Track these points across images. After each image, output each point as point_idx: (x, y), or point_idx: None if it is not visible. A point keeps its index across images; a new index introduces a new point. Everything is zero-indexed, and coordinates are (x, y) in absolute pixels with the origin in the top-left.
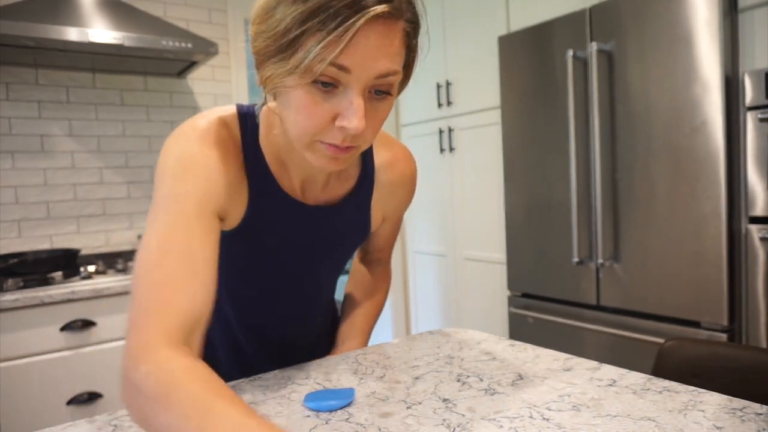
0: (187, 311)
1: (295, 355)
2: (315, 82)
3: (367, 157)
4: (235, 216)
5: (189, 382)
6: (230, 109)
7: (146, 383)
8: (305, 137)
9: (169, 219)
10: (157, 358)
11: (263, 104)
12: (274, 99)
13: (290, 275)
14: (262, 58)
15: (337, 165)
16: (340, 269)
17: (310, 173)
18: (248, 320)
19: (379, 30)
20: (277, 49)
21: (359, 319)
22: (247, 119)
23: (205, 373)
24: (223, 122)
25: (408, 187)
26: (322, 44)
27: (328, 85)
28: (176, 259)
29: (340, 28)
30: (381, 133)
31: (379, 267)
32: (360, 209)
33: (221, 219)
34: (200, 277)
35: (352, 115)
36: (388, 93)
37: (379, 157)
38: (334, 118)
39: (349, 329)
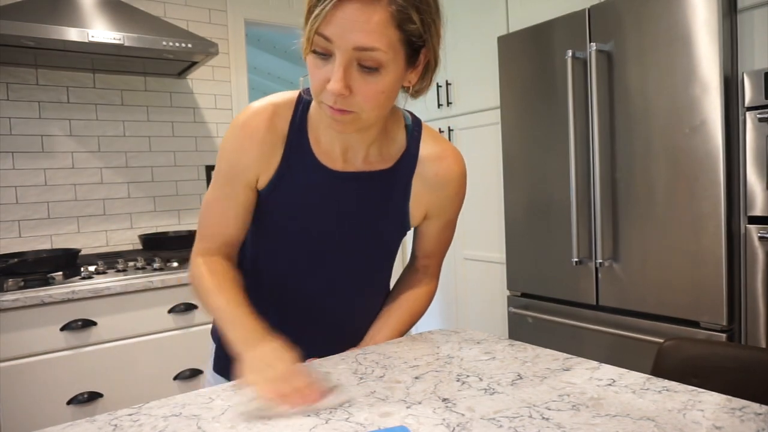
0: (215, 245)
1: (328, 350)
2: (314, 51)
3: (411, 144)
4: (266, 177)
5: (207, 276)
6: (294, 92)
7: (192, 279)
8: (315, 98)
9: (215, 185)
10: (197, 262)
11: None
12: None
13: (321, 242)
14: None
15: (338, 126)
16: (376, 255)
17: (348, 143)
18: (287, 299)
19: (355, 6)
20: (303, 24)
21: (388, 322)
22: (302, 97)
23: (217, 270)
24: (273, 105)
25: (455, 186)
26: (311, 17)
27: (323, 55)
28: (217, 215)
29: (322, 4)
30: (435, 132)
31: (425, 278)
32: (396, 189)
33: (254, 183)
34: (224, 229)
35: (332, 77)
36: (376, 68)
37: (426, 149)
38: (327, 82)
39: (376, 332)
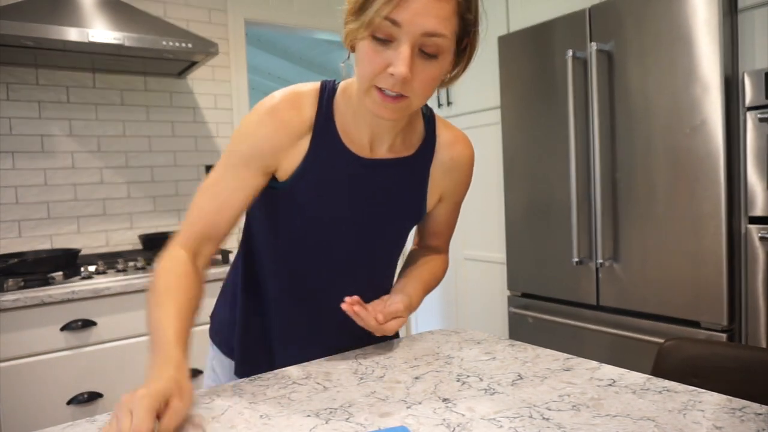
0: (202, 231)
1: (345, 339)
2: (374, 37)
3: (429, 131)
4: (291, 166)
5: (161, 279)
6: (315, 83)
7: (156, 269)
8: (365, 82)
9: (219, 169)
10: (169, 254)
11: (344, 79)
12: (353, 51)
13: (342, 230)
14: (345, 21)
15: (387, 112)
16: (393, 241)
17: (376, 131)
18: (303, 289)
19: None
20: (354, 9)
21: (411, 281)
22: (326, 87)
23: (174, 276)
24: (297, 94)
25: (466, 170)
26: (378, 2)
27: (383, 41)
28: (210, 196)
29: None
30: (444, 119)
31: (435, 252)
32: (416, 175)
33: (271, 172)
34: (221, 214)
35: (399, 62)
36: (435, 56)
37: (442, 136)
38: (387, 67)
39: (401, 288)
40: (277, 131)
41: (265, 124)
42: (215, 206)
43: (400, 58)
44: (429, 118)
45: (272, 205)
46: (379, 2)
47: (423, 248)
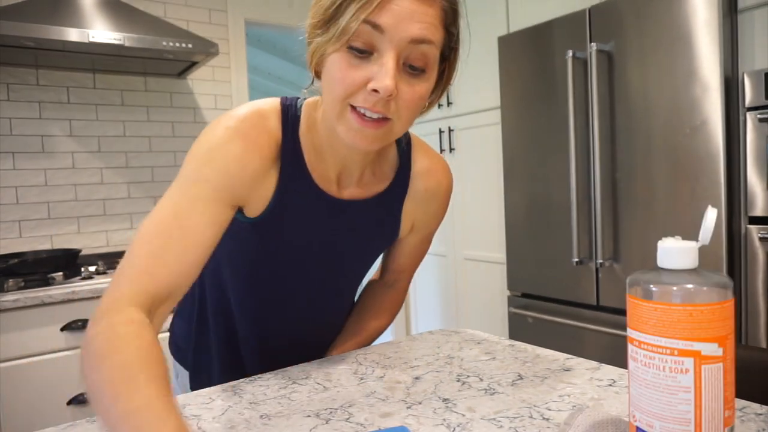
0: (164, 284)
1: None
2: (351, 48)
3: (404, 161)
4: (260, 203)
5: (127, 348)
6: (274, 102)
7: (95, 340)
8: (338, 102)
9: (182, 199)
10: (115, 319)
11: (305, 98)
12: (318, 77)
13: (313, 270)
14: (310, 38)
15: (365, 141)
16: (362, 274)
17: (346, 164)
18: (268, 324)
19: None
20: (322, 21)
21: (351, 338)
22: (289, 111)
23: (146, 343)
24: (262, 114)
25: (442, 201)
26: (358, 4)
27: (363, 52)
28: (172, 236)
29: None
30: (422, 142)
31: (394, 293)
32: (390, 211)
33: (239, 207)
34: (188, 259)
35: (383, 74)
36: (423, 70)
37: (417, 164)
38: (367, 83)
39: (340, 344)
40: (248, 152)
41: (235, 143)
42: (182, 248)
43: (384, 70)
44: (402, 143)
45: (238, 238)
46: (355, 5)
47: (381, 286)
